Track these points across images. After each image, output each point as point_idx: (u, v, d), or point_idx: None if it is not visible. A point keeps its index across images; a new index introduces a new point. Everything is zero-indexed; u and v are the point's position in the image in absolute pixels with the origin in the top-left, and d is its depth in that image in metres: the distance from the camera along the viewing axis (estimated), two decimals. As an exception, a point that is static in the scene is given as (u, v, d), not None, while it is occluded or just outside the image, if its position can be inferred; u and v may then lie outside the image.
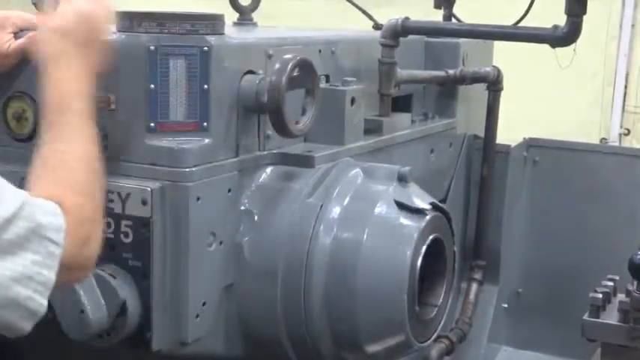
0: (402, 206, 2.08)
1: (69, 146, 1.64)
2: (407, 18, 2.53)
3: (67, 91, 1.69)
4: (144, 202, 1.88)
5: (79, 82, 1.71)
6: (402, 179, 2.15)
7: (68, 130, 1.66)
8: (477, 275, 3.09)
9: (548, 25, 2.39)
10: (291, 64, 1.99)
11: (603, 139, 4.87)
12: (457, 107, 2.94)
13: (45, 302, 1.48)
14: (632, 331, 2.00)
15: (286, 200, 2.09)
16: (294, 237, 2.05)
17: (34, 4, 1.86)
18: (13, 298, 1.43)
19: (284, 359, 2.13)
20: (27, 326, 1.49)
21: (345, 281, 2.03)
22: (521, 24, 2.78)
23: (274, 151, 2.15)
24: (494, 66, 2.99)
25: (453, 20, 3.06)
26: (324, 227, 2.05)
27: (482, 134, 3.03)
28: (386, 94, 2.54)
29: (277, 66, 1.99)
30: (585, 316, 2.08)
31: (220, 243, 2.01)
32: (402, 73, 2.56)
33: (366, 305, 2.02)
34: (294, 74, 2.00)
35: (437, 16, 3.06)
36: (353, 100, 2.31)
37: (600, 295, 2.08)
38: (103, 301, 1.86)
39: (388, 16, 2.57)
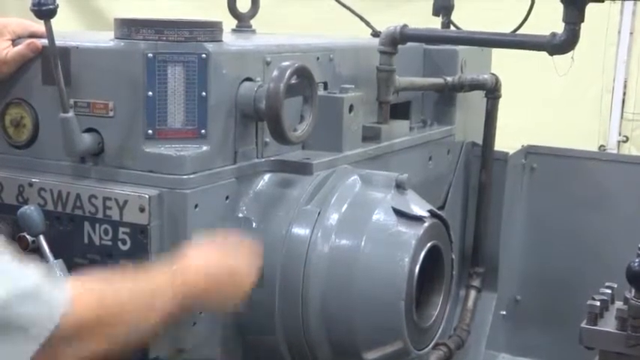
0: (400, 213, 2.08)
1: (131, 292, 1.62)
2: (405, 25, 2.54)
3: (165, 282, 1.69)
4: (141, 209, 1.88)
5: (178, 292, 1.70)
6: (400, 186, 2.15)
7: (144, 295, 1.64)
8: (476, 282, 3.09)
9: (546, 32, 2.39)
10: (289, 72, 1.99)
11: (601, 146, 4.87)
12: (455, 114, 2.94)
13: None
14: (630, 339, 1.99)
15: (284, 207, 2.09)
16: (291, 244, 2.05)
17: (33, 11, 1.86)
18: None
19: (282, 366, 2.13)
20: None
21: (342, 288, 2.03)
22: (520, 31, 2.78)
23: (272, 158, 2.15)
24: (492, 73, 3.00)
25: (452, 28, 3.07)
26: (321, 234, 2.05)
27: (480, 141, 3.03)
28: (384, 101, 2.54)
29: (275, 73, 1.99)
30: (583, 324, 2.07)
31: (218, 250, 2.01)
32: (400, 80, 2.57)
33: (363, 312, 2.02)
34: (293, 81, 2.01)
35: (435, 23, 3.06)
36: (351, 108, 2.31)
37: (598, 303, 2.07)
38: (100, 309, 1.85)
39: (387, 23, 2.57)
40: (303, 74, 2.05)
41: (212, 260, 1.81)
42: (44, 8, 1.85)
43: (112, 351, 1.57)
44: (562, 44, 2.36)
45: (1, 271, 1.42)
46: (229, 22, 2.56)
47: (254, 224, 2.07)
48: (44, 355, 1.44)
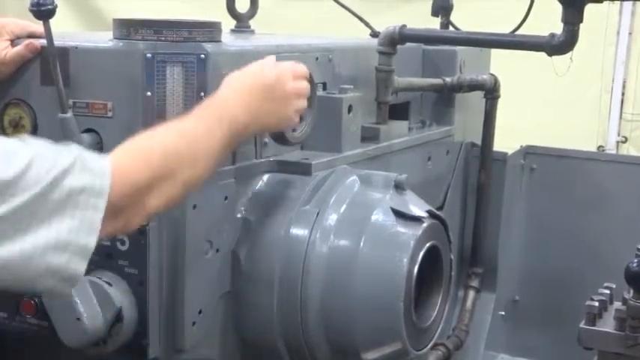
0: (398, 214, 2.08)
1: (183, 122, 1.69)
2: (404, 26, 2.53)
3: (221, 104, 1.77)
4: (140, 210, 1.88)
5: (238, 109, 1.79)
6: (398, 187, 2.15)
7: (197, 115, 1.72)
8: (474, 283, 3.09)
9: (545, 33, 2.39)
10: (288, 72, 1.99)
11: (600, 146, 4.87)
12: (454, 115, 2.94)
13: (83, 267, 1.45)
14: (629, 339, 1.99)
15: (283, 208, 2.09)
16: (290, 244, 2.05)
17: (31, 11, 1.86)
18: (47, 268, 1.41)
19: (281, 367, 2.13)
20: (66, 289, 1.48)
21: (341, 289, 2.03)
22: (519, 32, 2.78)
23: (271, 159, 2.15)
24: (491, 74, 3.00)
25: (451, 28, 3.07)
26: (320, 235, 2.05)
27: (479, 142, 3.03)
28: (383, 101, 2.54)
29: (274, 74, 1.99)
30: (581, 324, 2.07)
31: (217, 251, 2.01)
32: (399, 80, 2.57)
33: (362, 313, 2.02)
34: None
35: (435, 24, 3.06)
36: (350, 108, 2.31)
37: (596, 303, 2.07)
38: (99, 309, 1.86)
39: (386, 24, 2.57)
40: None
41: (247, 81, 1.86)
42: (43, 9, 1.85)
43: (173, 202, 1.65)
44: (561, 45, 2.36)
45: (44, 148, 1.44)
46: (228, 23, 2.56)
47: (253, 225, 2.07)
48: (111, 223, 1.49)
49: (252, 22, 2.71)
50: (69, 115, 1.93)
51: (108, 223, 1.48)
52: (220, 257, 2.02)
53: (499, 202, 3.06)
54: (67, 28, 2.88)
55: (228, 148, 1.79)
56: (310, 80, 2.02)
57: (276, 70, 1.90)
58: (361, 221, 2.07)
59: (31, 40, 2.02)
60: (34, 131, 2.04)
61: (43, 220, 1.40)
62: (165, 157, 1.61)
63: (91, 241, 1.45)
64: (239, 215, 2.07)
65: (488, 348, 3.14)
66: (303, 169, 2.15)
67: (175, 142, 1.64)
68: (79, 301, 1.83)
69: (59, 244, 1.41)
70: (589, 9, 2.30)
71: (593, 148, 4.74)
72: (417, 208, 2.13)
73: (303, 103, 1.97)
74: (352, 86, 2.35)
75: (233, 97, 1.81)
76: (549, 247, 3.15)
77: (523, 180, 3.18)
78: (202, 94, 1.93)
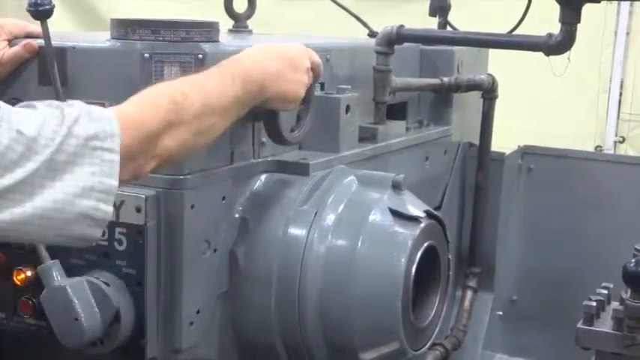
0: (396, 214, 2.08)
1: (181, 85, 1.70)
2: (402, 26, 2.54)
3: (236, 67, 1.80)
4: (138, 210, 1.88)
5: (253, 76, 1.82)
6: (396, 187, 2.15)
7: (199, 77, 1.74)
8: (472, 283, 3.09)
9: (543, 33, 2.39)
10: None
11: (598, 146, 4.88)
12: (452, 115, 2.94)
13: (110, 208, 1.51)
14: (626, 339, 2.00)
15: (281, 208, 2.09)
16: (288, 244, 2.05)
17: (29, 11, 1.86)
18: (79, 212, 1.47)
19: (278, 367, 2.13)
20: (97, 233, 1.53)
21: (339, 289, 2.03)
22: (516, 32, 2.79)
23: (269, 159, 2.15)
24: (489, 74, 3.00)
25: (448, 28, 3.07)
26: (318, 235, 2.05)
27: (477, 142, 3.03)
28: (381, 101, 2.54)
29: (272, 74, 1.99)
30: (579, 324, 2.08)
31: (214, 251, 2.01)
32: (397, 80, 2.57)
33: (360, 313, 2.02)
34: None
35: (433, 24, 3.07)
36: (348, 108, 2.31)
37: (594, 303, 2.07)
38: (96, 309, 1.85)
39: (384, 24, 2.57)
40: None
41: (268, 49, 1.90)
42: (41, 9, 1.85)
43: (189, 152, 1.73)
44: (558, 45, 2.36)
45: (49, 106, 1.49)
46: (226, 23, 2.56)
47: (250, 225, 2.07)
48: (126, 169, 1.54)
49: (249, 22, 2.71)
50: (67, 115, 1.93)
51: (123, 168, 1.52)
52: (218, 257, 2.02)
53: (497, 202, 3.06)
54: (64, 28, 2.88)
55: (244, 106, 1.82)
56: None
57: (299, 46, 1.96)
58: (359, 221, 2.07)
59: (29, 40, 2.02)
60: (32, 131, 2.04)
61: (65, 169, 1.45)
62: (174, 103, 1.64)
63: (114, 182, 1.50)
64: (237, 215, 2.07)
65: (486, 348, 3.14)
66: (300, 169, 2.15)
67: (184, 92, 1.67)
68: (76, 302, 1.83)
69: (85, 188, 1.47)
70: (586, 9, 2.30)
71: (591, 148, 4.74)
72: (415, 208, 2.13)
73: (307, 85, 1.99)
74: (350, 86, 2.35)
75: (248, 59, 1.84)
76: (547, 247, 3.16)
77: (521, 180, 3.18)
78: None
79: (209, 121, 1.71)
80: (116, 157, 1.50)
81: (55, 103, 1.52)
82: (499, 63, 3.15)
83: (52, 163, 1.43)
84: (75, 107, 1.50)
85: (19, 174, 1.41)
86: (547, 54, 2.43)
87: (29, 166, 1.41)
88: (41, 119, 1.44)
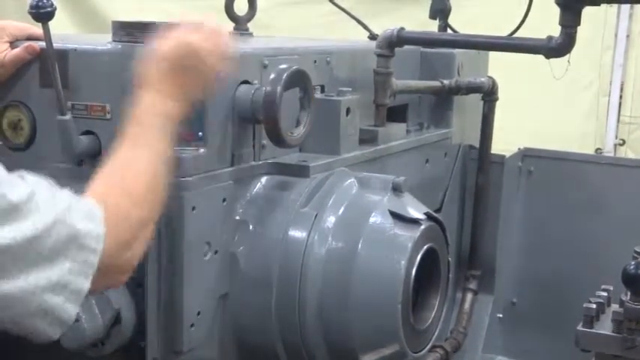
0: (396, 216, 2.09)
1: (134, 154, 1.63)
2: (402, 28, 2.54)
3: (151, 109, 1.70)
4: (139, 211, 1.88)
5: (165, 104, 1.71)
6: (396, 189, 2.16)
7: (141, 142, 1.66)
8: (472, 285, 3.09)
9: (543, 35, 2.40)
10: (286, 75, 1.99)
11: (598, 149, 4.88)
12: (452, 117, 2.95)
13: (75, 311, 1.45)
14: (626, 342, 2.00)
15: (281, 210, 2.09)
16: (288, 246, 2.06)
17: (30, 14, 1.86)
18: (43, 307, 1.40)
19: (279, 369, 2.13)
20: (55, 334, 1.46)
21: (339, 291, 2.03)
22: (516, 35, 2.79)
23: (269, 161, 2.15)
24: (489, 76, 3.00)
25: (449, 31, 3.07)
26: (318, 237, 2.06)
27: (477, 144, 3.04)
28: (381, 104, 2.55)
29: (272, 76, 2.00)
30: (579, 327, 2.08)
31: (215, 252, 2.01)
32: (397, 83, 2.57)
33: (360, 315, 2.03)
34: (289, 84, 2.01)
35: (434, 27, 3.07)
36: (348, 110, 2.31)
37: (594, 306, 2.08)
38: (97, 311, 1.86)
39: (384, 26, 2.58)
40: (300, 77, 2.06)
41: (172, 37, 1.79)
42: (42, 11, 1.85)
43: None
44: (558, 47, 2.37)
45: (39, 184, 1.43)
46: (226, 25, 2.56)
47: (251, 227, 2.07)
48: (105, 270, 1.47)
49: (250, 25, 2.72)
50: (68, 117, 1.94)
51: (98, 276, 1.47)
52: (219, 259, 2.03)
53: (497, 204, 3.07)
54: (65, 31, 2.88)
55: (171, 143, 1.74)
56: (308, 82, 2.02)
57: (170, 43, 1.79)
58: (359, 223, 2.08)
59: (31, 43, 2.02)
60: (33, 133, 2.04)
61: (47, 257, 1.39)
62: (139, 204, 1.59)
63: (85, 286, 1.44)
64: (237, 217, 2.07)
65: (486, 350, 3.14)
66: (301, 172, 2.15)
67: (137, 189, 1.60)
68: (77, 303, 1.83)
69: (59, 284, 1.41)
70: (586, 12, 2.31)
71: (591, 151, 4.74)
72: (415, 210, 2.14)
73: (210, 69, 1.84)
74: (350, 89, 2.35)
75: (155, 99, 1.72)
76: (547, 249, 3.16)
77: (521, 182, 3.18)
78: (201, 96, 1.93)
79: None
80: (96, 259, 1.45)
81: (46, 182, 1.46)
82: (499, 65, 3.15)
83: (34, 244, 1.36)
84: (65, 194, 1.45)
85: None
86: (547, 57, 2.44)
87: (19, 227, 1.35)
88: (30, 189, 1.39)
